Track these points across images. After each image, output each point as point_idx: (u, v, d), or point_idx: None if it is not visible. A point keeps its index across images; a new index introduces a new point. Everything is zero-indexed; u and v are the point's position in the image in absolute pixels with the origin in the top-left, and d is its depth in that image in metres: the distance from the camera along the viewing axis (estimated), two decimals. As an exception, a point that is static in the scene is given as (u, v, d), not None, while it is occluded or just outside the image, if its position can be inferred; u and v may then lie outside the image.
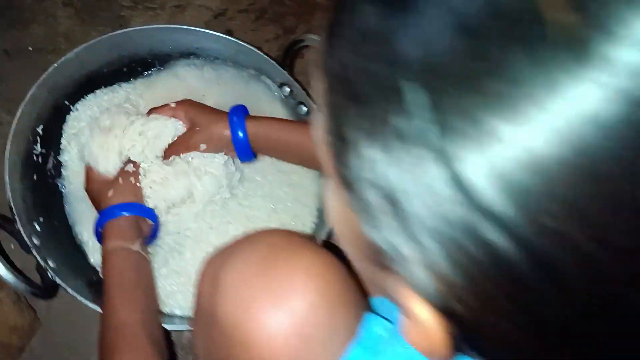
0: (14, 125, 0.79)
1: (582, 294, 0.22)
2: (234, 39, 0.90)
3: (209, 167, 0.83)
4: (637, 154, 0.20)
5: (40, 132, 0.85)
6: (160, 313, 0.76)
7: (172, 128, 0.83)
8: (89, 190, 0.81)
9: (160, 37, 0.91)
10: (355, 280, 0.45)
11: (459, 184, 0.22)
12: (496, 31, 0.22)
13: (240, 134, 0.78)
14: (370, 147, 0.25)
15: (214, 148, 0.82)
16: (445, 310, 0.26)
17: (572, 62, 0.21)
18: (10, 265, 0.73)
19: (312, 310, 0.41)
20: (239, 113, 0.80)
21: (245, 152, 0.81)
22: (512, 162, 0.22)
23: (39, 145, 0.85)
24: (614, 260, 0.21)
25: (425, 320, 0.27)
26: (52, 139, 0.87)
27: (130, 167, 0.81)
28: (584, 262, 0.22)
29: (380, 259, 0.27)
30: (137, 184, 0.79)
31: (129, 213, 0.75)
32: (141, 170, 0.81)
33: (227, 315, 0.43)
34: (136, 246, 0.73)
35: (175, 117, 0.83)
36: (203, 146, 0.82)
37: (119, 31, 0.88)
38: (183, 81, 0.93)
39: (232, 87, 0.95)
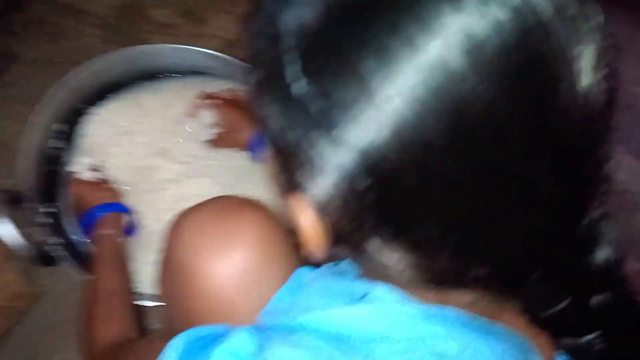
0: (32, 120, 0.92)
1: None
2: (235, 59, 1.03)
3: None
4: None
5: (57, 129, 0.99)
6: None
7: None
8: (76, 189, 0.93)
9: (171, 55, 1.04)
10: (294, 242, 0.55)
11: (328, 130, 0.31)
12: (352, 8, 0.30)
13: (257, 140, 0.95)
14: (270, 100, 0.34)
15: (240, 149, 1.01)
16: (324, 214, 0.35)
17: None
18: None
19: (250, 257, 0.50)
20: None
21: (258, 155, 0.97)
22: (372, 116, 0.29)
23: (55, 140, 0.98)
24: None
25: (310, 226, 0.36)
26: (66, 136, 1.00)
27: (103, 176, 0.96)
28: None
29: (289, 187, 0.37)
30: (115, 189, 0.94)
31: (114, 210, 0.89)
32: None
33: (182, 256, 0.52)
34: (119, 236, 0.87)
35: (218, 111, 1.00)
36: (232, 149, 1.01)
37: (135, 47, 1.02)
38: (190, 92, 1.06)
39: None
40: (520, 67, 0.29)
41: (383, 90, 0.29)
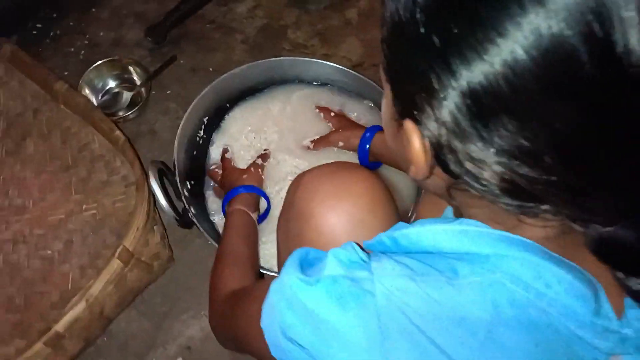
0: (186, 114, 1.09)
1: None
2: (359, 74, 1.15)
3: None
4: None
5: (205, 122, 1.16)
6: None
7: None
8: (224, 176, 1.10)
9: (304, 66, 1.18)
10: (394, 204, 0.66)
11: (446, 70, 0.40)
12: None
13: (366, 146, 1.06)
14: (402, 38, 0.43)
15: (346, 148, 1.13)
16: (432, 140, 0.44)
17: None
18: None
19: (356, 205, 0.61)
20: (373, 130, 1.07)
21: (364, 158, 1.08)
22: (492, 70, 0.37)
23: (202, 131, 1.15)
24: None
25: (417, 147, 0.45)
26: (212, 129, 1.17)
27: (259, 161, 1.09)
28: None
29: (403, 113, 0.46)
30: (260, 174, 1.08)
31: (251, 191, 1.03)
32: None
33: (301, 201, 0.64)
34: (251, 213, 0.99)
35: (330, 121, 1.16)
36: (340, 143, 1.12)
37: (273, 58, 1.17)
38: (316, 99, 1.21)
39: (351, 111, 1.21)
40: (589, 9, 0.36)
41: (501, 35, 0.37)
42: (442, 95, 0.41)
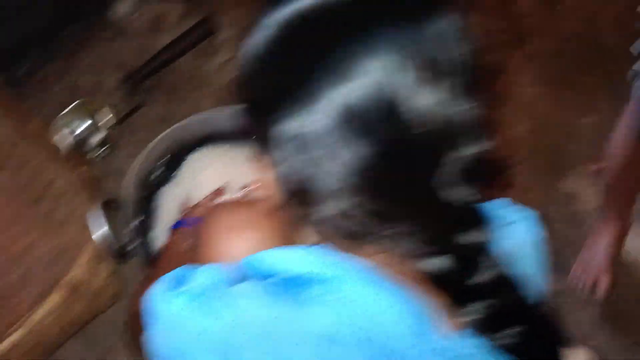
0: (144, 152, 1.18)
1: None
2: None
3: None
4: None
5: (163, 163, 1.24)
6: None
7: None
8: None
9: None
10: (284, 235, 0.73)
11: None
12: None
13: None
14: (245, 93, 0.51)
15: None
16: (276, 174, 0.50)
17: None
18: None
19: (251, 235, 0.68)
20: None
21: None
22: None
23: (159, 171, 1.24)
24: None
25: (271, 179, 0.52)
26: (169, 170, 1.26)
27: (207, 199, 1.15)
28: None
29: (260, 151, 0.52)
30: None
31: (186, 225, 1.07)
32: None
33: (206, 229, 0.72)
34: (184, 239, 1.02)
35: None
36: None
37: (231, 107, 1.26)
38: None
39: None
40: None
41: (315, 97, 0.45)
42: (275, 137, 0.48)
